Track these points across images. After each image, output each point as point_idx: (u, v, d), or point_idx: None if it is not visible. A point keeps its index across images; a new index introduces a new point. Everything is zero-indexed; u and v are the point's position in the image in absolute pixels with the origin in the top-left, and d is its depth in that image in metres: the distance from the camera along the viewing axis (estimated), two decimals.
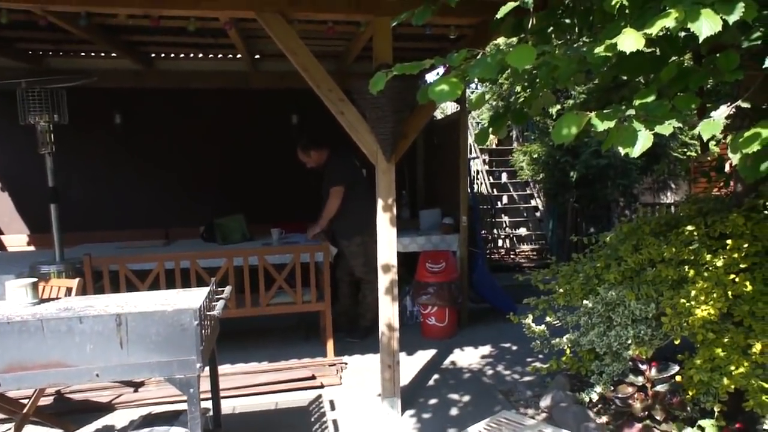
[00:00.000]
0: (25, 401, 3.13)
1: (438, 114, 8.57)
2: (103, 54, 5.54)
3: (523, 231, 9.90)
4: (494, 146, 10.72)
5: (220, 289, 2.84)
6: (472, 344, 4.95)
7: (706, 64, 2.03)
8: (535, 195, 9.87)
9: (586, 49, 1.86)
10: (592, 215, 8.22)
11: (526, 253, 9.50)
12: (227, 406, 3.74)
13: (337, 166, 5.00)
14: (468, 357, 4.64)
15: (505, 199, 10.12)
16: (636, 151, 1.78)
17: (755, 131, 1.77)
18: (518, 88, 7.42)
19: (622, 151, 1.79)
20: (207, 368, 2.96)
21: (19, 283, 2.42)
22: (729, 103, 2.02)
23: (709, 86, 3.53)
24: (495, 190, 10.07)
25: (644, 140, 1.77)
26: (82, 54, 5.55)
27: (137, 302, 2.48)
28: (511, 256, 9.31)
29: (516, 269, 8.03)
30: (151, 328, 2.24)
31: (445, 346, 4.91)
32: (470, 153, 9.86)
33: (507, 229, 9.81)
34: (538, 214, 9.77)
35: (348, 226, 4.99)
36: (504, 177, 10.27)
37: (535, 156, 8.03)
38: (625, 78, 3.21)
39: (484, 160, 10.28)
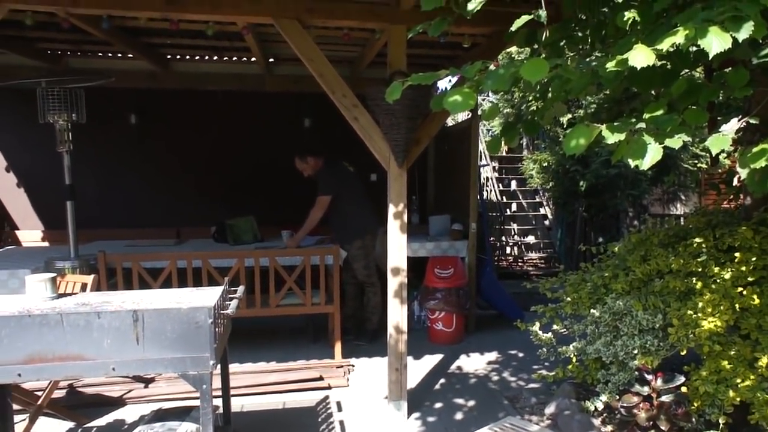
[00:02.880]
0: (39, 393, 3.20)
1: (450, 121, 8.60)
2: (120, 55, 5.63)
3: (531, 239, 9.91)
4: (504, 154, 10.75)
5: (232, 288, 2.88)
6: (479, 350, 4.98)
7: (716, 80, 2.06)
8: (544, 203, 9.89)
9: (597, 63, 1.90)
10: (601, 225, 8.23)
11: (534, 261, 9.51)
12: (236, 405, 3.79)
13: (326, 175, 5.09)
14: (474, 363, 4.68)
15: (514, 207, 10.14)
16: (646, 164, 1.82)
17: (762, 147, 1.81)
18: (530, 98, 7.48)
19: (632, 163, 1.82)
20: (218, 366, 3.03)
21: (39, 277, 2.48)
22: (739, 118, 2.05)
23: (719, 100, 3.55)
24: (504, 197, 10.09)
25: (654, 153, 1.81)
26: (100, 54, 5.65)
27: (152, 299, 2.53)
28: (519, 264, 9.32)
29: (523, 277, 8.05)
30: (167, 324, 2.30)
31: (452, 351, 4.95)
32: (480, 160, 9.90)
33: (515, 236, 9.83)
34: (546, 222, 9.78)
35: (347, 231, 5.07)
36: (513, 184, 10.30)
37: (545, 164, 8.06)
38: (636, 90, 3.26)
39: (494, 168, 10.31)
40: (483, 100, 10.09)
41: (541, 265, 9.31)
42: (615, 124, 1.85)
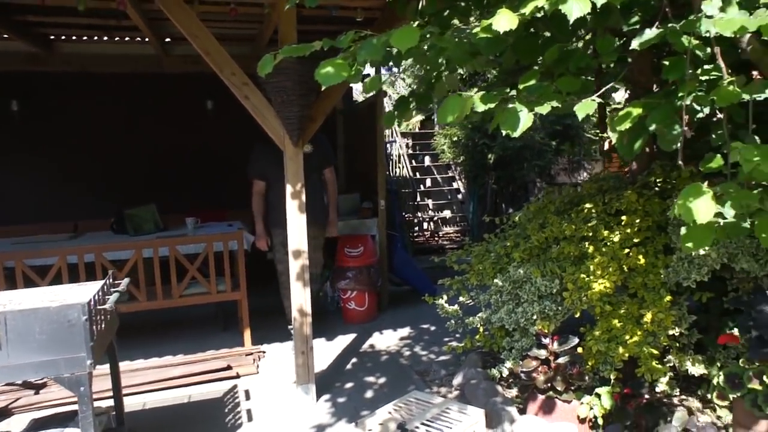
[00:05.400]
0: None
1: (361, 97, 8.53)
2: None
3: (447, 213, 10.05)
4: (417, 130, 10.81)
5: (117, 282, 2.72)
6: (392, 327, 4.99)
7: (584, 47, 2.10)
8: (457, 177, 10.03)
9: (470, 32, 1.87)
10: (512, 196, 8.46)
11: (450, 235, 9.66)
12: (137, 402, 3.63)
13: (328, 143, 4.62)
14: (387, 339, 4.69)
15: (428, 182, 10.24)
16: (518, 132, 1.83)
17: (628, 110, 1.86)
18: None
19: (503, 131, 1.82)
20: (108, 365, 2.86)
21: None
22: (626, 88, 2.10)
23: (608, 68, 3.65)
24: (418, 173, 10.16)
25: (525, 120, 1.82)
26: None
27: (22, 299, 2.34)
28: (436, 239, 9.45)
29: (439, 251, 8.16)
30: (35, 326, 2.12)
31: (365, 329, 4.94)
32: (392, 136, 9.89)
33: (430, 212, 9.94)
34: (460, 196, 9.94)
35: (324, 211, 4.64)
36: (427, 160, 10.38)
37: (455, 139, 8.16)
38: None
39: (407, 144, 10.34)
40: (388, 75, 10.07)
41: (456, 238, 9.47)
42: (487, 93, 1.84)
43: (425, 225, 9.78)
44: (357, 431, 2.78)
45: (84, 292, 2.43)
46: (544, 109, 1.80)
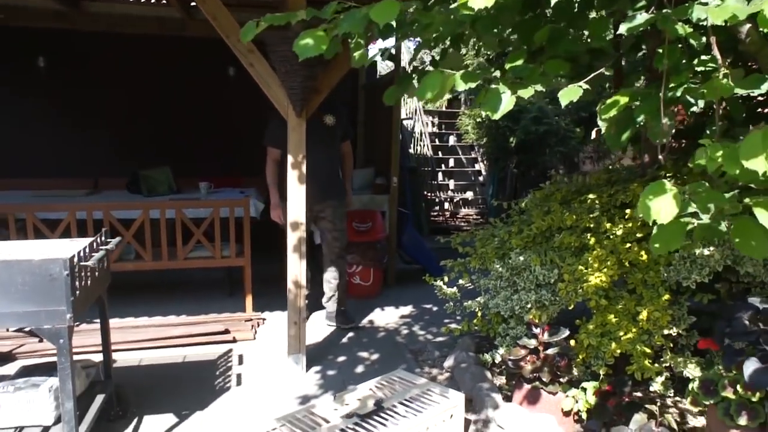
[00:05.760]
0: None
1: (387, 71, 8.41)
2: None
3: (470, 195, 9.93)
4: (444, 109, 10.66)
5: (108, 240, 2.76)
6: (395, 304, 4.99)
7: (578, 28, 2.01)
8: (479, 159, 9.88)
9: (454, 7, 1.81)
10: (533, 181, 8.28)
11: (469, 217, 9.57)
12: (134, 358, 3.72)
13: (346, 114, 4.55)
14: (387, 316, 4.69)
15: (452, 162, 10.11)
16: (498, 114, 1.77)
17: (615, 98, 1.78)
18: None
19: (483, 112, 1.77)
20: (99, 321, 2.93)
21: None
22: (645, 77, 2.02)
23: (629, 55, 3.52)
24: (441, 152, 10.04)
25: (507, 103, 1.76)
26: None
27: (11, 251, 2.40)
28: (454, 220, 9.37)
29: (455, 232, 8.08)
30: (17, 277, 2.17)
31: (367, 305, 4.94)
32: (415, 114, 9.78)
33: (451, 192, 9.83)
34: (481, 178, 9.81)
35: (342, 183, 4.49)
36: (452, 140, 10.25)
37: (479, 120, 8.02)
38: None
39: (432, 122, 10.22)
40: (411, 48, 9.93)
41: (474, 220, 9.37)
42: (468, 72, 1.78)
43: (446, 205, 9.70)
44: (335, 405, 2.79)
45: (72, 247, 2.47)
46: (527, 92, 1.74)
